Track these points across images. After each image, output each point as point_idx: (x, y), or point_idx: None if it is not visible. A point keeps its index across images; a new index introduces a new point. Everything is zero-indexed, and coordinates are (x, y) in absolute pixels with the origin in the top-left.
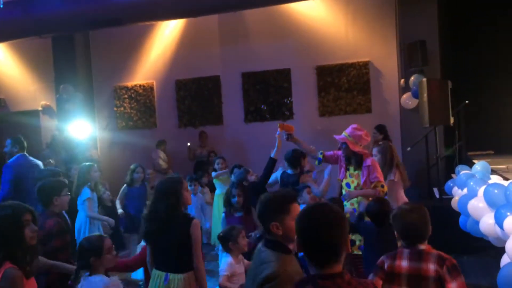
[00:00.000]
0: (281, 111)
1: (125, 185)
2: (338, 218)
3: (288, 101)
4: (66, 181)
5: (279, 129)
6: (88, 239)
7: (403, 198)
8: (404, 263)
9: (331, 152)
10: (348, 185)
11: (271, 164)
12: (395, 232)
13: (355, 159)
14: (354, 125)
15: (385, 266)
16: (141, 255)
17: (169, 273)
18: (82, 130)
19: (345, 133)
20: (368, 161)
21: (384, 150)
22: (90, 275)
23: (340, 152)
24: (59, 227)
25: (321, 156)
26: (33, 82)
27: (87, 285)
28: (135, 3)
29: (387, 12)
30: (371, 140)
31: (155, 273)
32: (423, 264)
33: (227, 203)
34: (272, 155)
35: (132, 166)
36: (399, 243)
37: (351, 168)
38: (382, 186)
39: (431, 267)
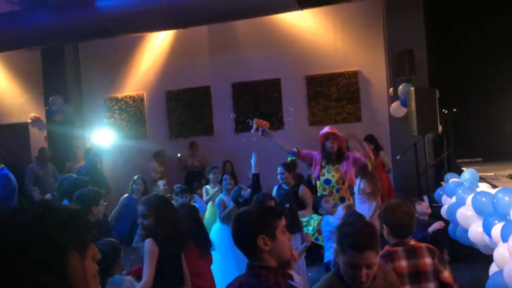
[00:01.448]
0: (271, 120)
1: (126, 195)
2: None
3: (291, 109)
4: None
5: (254, 125)
6: (103, 245)
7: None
8: (403, 263)
9: (306, 151)
10: (328, 180)
11: (256, 179)
12: (386, 228)
13: (336, 154)
14: (332, 127)
15: None
16: None
17: None
18: (106, 138)
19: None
20: (349, 154)
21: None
22: (108, 277)
23: (315, 153)
24: (94, 240)
25: (295, 150)
26: (22, 95)
27: (111, 285)
28: (124, 14)
29: (375, 22)
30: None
31: None
32: (420, 259)
33: None
34: (253, 171)
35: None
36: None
37: (329, 164)
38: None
39: (428, 261)
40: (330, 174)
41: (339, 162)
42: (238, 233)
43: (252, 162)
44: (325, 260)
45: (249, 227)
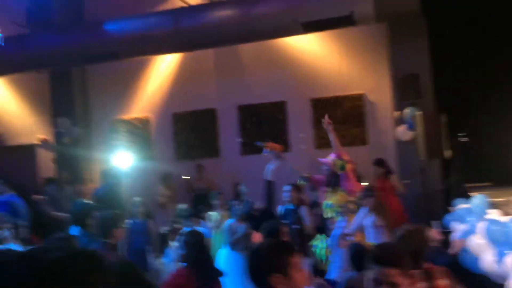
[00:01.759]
0: (277, 143)
1: (129, 220)
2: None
3: (300, 135)
4: None
5: (266, 149)
6: None
7: None
8: (421, 285)
9: (318, 176)
10: (330, 204)
11: (269, 187)
12: None
13: (335, 181)
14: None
15: None
16: None
17: None
18: (125, 160)
19: (330, 157)
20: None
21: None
22: None
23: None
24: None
25: (307, 175)
26: (30, 116)
27: None
28: (132, 37)
29: (380, 45)
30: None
31: None
32: (435, 281)
33: None
34: (269, 178)
35: (134, 200)
36: None
37: (330, 188)
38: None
39: (444, 282)
40: (331, 197)
41: (338, 184)
42: (252, 270)
43: (270, 168)
44: (326, 276)
45: (262, 266)
